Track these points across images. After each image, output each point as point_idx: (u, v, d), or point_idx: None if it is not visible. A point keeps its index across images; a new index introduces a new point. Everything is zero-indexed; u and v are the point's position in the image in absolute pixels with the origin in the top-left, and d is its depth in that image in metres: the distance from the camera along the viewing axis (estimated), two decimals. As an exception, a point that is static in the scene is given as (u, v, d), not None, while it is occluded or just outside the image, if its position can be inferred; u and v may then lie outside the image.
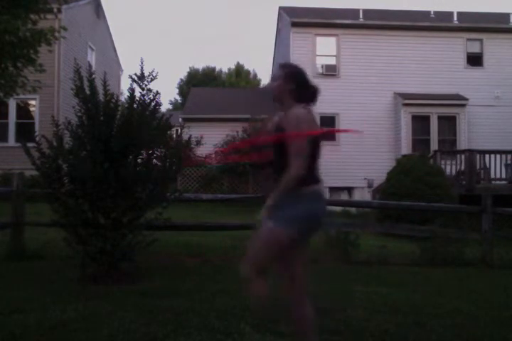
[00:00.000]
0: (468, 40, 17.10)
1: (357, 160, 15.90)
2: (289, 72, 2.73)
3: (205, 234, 7.88)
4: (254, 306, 2.65)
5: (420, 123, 16.22)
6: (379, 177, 14.21)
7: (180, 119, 17.22)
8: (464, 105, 16.20)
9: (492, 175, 12.89)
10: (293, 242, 2.60)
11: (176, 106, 45.00)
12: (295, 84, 2.68)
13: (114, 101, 5.21)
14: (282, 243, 2.59)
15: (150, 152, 5.32)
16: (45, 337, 3.18)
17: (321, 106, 16.27)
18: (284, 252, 2.64)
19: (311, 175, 2.62)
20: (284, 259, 2.69)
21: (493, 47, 17.04)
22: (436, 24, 17.13)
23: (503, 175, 13.06)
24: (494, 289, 5.24)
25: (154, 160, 5.37)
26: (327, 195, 15.68)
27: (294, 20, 16.76)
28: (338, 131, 3.45)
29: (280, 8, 19.39)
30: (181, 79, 47.03)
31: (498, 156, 12.91)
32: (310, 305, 2.68)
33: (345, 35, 16.79)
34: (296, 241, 2.61)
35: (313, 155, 2.64)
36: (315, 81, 2.85)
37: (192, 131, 12.91)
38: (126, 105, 5.30)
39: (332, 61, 16.77)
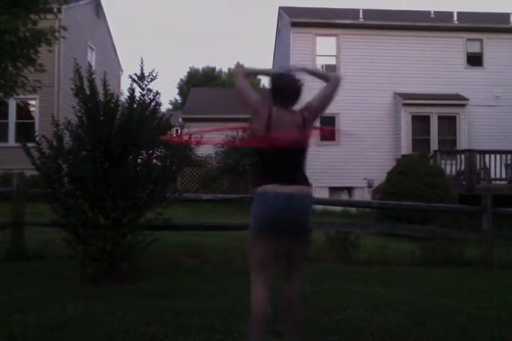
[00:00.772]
0: (468, 40, 17.09)
1: (357, 160, 15.90)
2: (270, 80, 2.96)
3: (205, 234, 7.88)
4: (252, 313, 2.65)
5: (420, 123, 16.22)
6: (379, 177, 14.21)
7: (180, 119, 17.24)
8: (464, 105, 16.20)
9: (492, 175, 12.89)
10: (260, 242, 2.67)
11: (175, 106, 45.03)
12: (271, 90, 2.90)
13: (114, 101, 5.21)
14: (251, 245, 2.73)
15: (150, 152, 5.32)
16: (45, 337, 3.18)
17: (321, 106, 16.30)
18: (263, 254, 2.68)
19: (268, 176, 2.70)
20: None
21: (493, 47, 17.03)
22: (436, 24, 17.12)
23: (503, 175, 13.06)
24: (494, 289, 5.23)
25: (154, 160, 5.37)
26: (326, 195, 15.69)
27: (294, 20, 16.75)
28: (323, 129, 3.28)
29: (280, 8, 19.39)
30: (181, 79, 47.11)
31: (498, 156, 12.91)
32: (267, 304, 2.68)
33: (345, 35, 16.78)
34: (265, 240, 2.66)
35: (274, 157, 2.69)
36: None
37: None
38: (126, 105, 5.30)
39: (332, 61, 16.76)
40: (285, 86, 2.83)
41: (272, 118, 2.71)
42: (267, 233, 2.67)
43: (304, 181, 2.77)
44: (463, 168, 12.84)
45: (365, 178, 16.03)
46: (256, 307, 2.62)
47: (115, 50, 22.23)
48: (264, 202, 2.67)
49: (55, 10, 11.26)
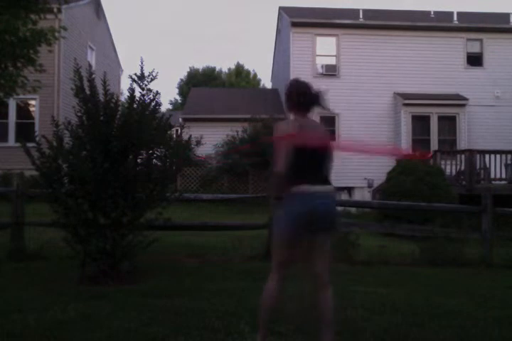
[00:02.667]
0: (468, 40, 17.10)
1: (357, 160, 15.89)
2: (285, 91, 3.12)
3: (205, 234, 7.88)
4: (262, 302, 2.89)
5: (420, 123, 16.22)
6: (379, 177, 14.21)
7: (180, 119, 17.23)
8: (463, 105, 16.20)
9: (492, 175, 12.88)
10: (287, 240, 2.84)
11: (175, 106, 44.99)
12: (286, 99, 3.10)
13: (114, 101, 5.21)
14: (277, 241, 2.90)
15: (150, 152, 5.32)
16: (45, 337, 3.18)
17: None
18: (288, 250, 2.86)
19: (298, 176, 2.82)
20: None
21: (493, 47, 17.04)
22: (436, 24, 17.13)
23: (503, 175, 13.05)
24: (494, 289, 5.23)
25: (154, 160, 5.37)
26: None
27: (294, 20, 16.75)
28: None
29: (280, 8, 19.40)
30: (181, 79, 47.02)
31: (498, 156, 12.91)
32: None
33: (345, 35, 16.79)
34: (291, 239, 2.84)
35: (301, 159, 2.81)
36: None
37: (192, 131, 12.92)
38: (126, 105, 5.30)
39: (332, 61, 16.77)
40: (299, 92, 2.99)
41: (299, 128, 2.88)
42: (297, 232, 2.82)
43: (329, 181, 2.95)
44: (463, 168, 12.84)
45: (365, 178, 16.04)
46: (267, 295, 2.86)
47: (115, 50, 22.23)
48: (300, 201, 2.80)
49: (55, 10, 11.22)
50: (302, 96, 2.97)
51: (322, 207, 2.80)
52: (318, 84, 3.01)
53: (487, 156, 12.81)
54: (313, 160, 2.89)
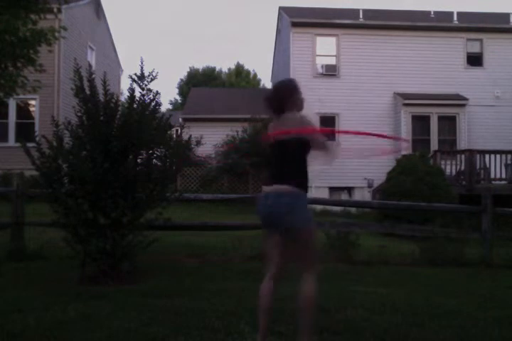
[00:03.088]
0: (468, 40, 17.10)
1: (357, 160, 15.89)
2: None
3: (205, 234, 7.88)
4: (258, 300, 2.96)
5: (420, 123, 16.23)
6: (379, 177, 14.21)
7: (180, 119, 17.24)
8: (463, 105, 16.20)
9: (492, 175, 12.89)
10: (266, 238, 3.00)
11: (175, 106, 44.99)
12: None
13: (114, 101, 5.21)
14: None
15: (150, 152, 5.32)
16: (45, 337, 3.18)
17: (321, 107, 16.33)
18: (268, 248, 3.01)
19: (268, 176, 2.99)
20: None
21: (493, 47, 17.04)
22: (436, 24, 17.13)
23: (503, 175, 13.06)
24: (494, 289, 5.23)
25: (154, 160, 5.37)
26: (326, 195, 15.69)
27: (294, 20, 16.75)
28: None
29: (280, 8, 19.40)
30: (181, 79, 47.02)
31: (498, 156, 12.91)
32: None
33: (345, 35, 16.79)
34: (267, 236, 2.98)
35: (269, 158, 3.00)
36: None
37: (192, 131, 12.93)
38: (126, 105, 5.30)
39: (332, 61, 16.76)
40: (268, 95, 3.06)
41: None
42: (265, 229, 2.99)
43: (286, 180, 2.88)
44: (463, 168, 12.84)
45: (365, 178, 16.03)
46: (260, 294, 2.93)
47: (115, 50, 22.23)
48: (261, 200, 2.97)
49: (55, 10, 11.21)
50: (269, 101, 3.03)
51: (274, 207, 2.84)
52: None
53: (487, 156, 12.82)
54: (273, 158, 2.97)
